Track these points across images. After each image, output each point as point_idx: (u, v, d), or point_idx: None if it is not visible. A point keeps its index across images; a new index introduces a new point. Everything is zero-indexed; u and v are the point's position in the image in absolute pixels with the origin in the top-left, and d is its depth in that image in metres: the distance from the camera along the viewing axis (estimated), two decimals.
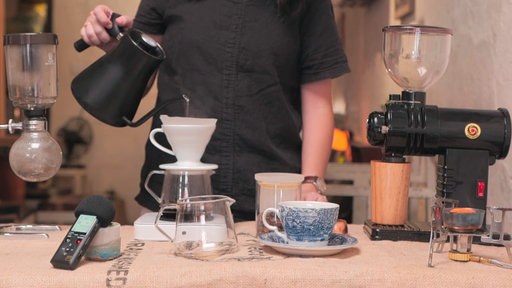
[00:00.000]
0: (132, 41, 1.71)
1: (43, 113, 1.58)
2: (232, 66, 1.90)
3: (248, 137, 1.92)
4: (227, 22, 1.91)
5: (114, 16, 1.79)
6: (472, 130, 1.59)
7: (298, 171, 1.98)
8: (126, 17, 1.80)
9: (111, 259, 1.34)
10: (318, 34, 1.96)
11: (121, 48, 1.73)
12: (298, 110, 2.03)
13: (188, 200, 1.44)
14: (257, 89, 1.92)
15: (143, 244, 1.50)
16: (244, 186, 1.92)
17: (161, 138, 1.71)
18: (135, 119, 1.78)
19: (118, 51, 1.74)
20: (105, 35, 1.79)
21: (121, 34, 1.77)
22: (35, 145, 1.57)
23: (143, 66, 1.73)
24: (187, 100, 1.77)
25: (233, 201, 1.44)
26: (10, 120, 1.60)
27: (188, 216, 1.41)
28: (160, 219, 1.46)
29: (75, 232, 1.31)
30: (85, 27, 1.81)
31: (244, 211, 1.88)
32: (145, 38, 1.75)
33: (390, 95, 1.65)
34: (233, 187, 1.92)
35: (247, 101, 1.91)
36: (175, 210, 1.44)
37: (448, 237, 1.43)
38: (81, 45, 1.84)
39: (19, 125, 1.59)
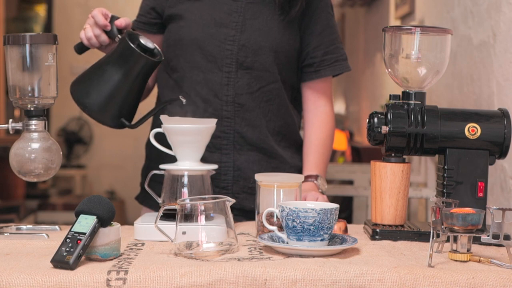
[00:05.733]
0: (130, 43, 1.71)
1: (43, 113, 1.58)
2: (232, 63, 1.90)
3: (248, 135, 1.92)
4: (227, 20, 1.91)
5: (113, 19, 1.80)
6: (472, 130, 1.59)
7: (299, 169, 1.98)
8: (125, 19, 1.81)
9: (111, 259, 1.34)
10: (318, 32, 1.97)
11: (119, 50, 1.73)
12: (298, 109, 2.03)
13: (188, 200, 1.44)
14: (257, 87, 1.92)
15: (143, 244, 1.50)
16: (245, 184, 1.92)
17: (161, 138, 1.71)
18: (134, 120, 1.78)
19: (116, 53, 1.74)
20: (104, 38, 1.80)
21: (119, 36, 1.78)
22: (35, 145, 1.57)
23: (141, 68, 1.73)
24: (184, 101, 1.76)
25: (233, 201, 1.44)
26: (10, 120, 1.60)
27: (188, 216, 1.41)
28: (160, 219, 1.46)
29: (75, 232, 1.31)
30: (84, 30, 1.81)
31: (245, 209, 1.89)
32: (143, 40, 1.75)
33: (390, 95, 1.65)
34: (234, 185, 1.92)
35: (247, 98, 1.91)
36: (175, 210, 1.44)
37: (448, 237, 1.43)
38: (81, 48, 1.85)
39: (19, 125, 1.59)
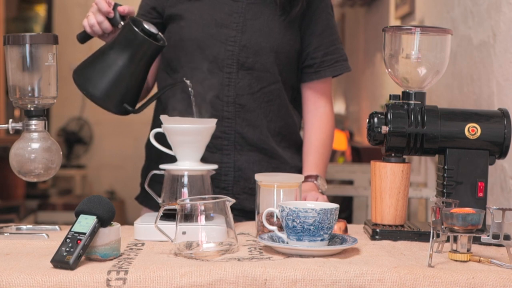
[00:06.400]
0: (134, 27, 1.71)
1: (43, 113, 1.58)
2: (233, 64, 1.90)
3: (249, 135, 1.92)
4: (228, 20, 1.91)
5: (115, 6, 1.80)
6: (472, 130, 1.59)
7: (299, 170, 1.98)
8: (128, 6, 1.80)
9: (111, 259, 1.34)
10: (319, 32, 1.97)
11: (123, 35, 1.73)
12: (298, 110, 2.03)
13: (188, 200, 1.44)
14: (258, 87, 1.92)
15: (143, 244, 1.50)
16: (245, 185, 1.92)
17: (161, 138, 1.71)
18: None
19: (119, 38, 1.74)
20: (106, 25, 1.79)
21: (122, 23, 1.77)
22: (35, 145, 1.57)
23: (144, 52, 1.73)
24: (188, 82, 1.76)
25: (233, 201, 1.44)
26: (10, 120, 1.60)
27: (188, 216, 1.41)
28: (160, 219, 1.46)
29: (75, 232, 1.31)
30: (87, 18, 1.81)
31: (245, 210, 1.89)
32: (147, 25, 1.75)
33: (390, 95, 1.65)
34: (234, 186, 1.92)
35: (248, 99, 1.91)
36: (175, 210, 1.44)
37: (448, 237, 1.43)
38: (84, 37, 1.84)
39: (19, 125, 1.59)
